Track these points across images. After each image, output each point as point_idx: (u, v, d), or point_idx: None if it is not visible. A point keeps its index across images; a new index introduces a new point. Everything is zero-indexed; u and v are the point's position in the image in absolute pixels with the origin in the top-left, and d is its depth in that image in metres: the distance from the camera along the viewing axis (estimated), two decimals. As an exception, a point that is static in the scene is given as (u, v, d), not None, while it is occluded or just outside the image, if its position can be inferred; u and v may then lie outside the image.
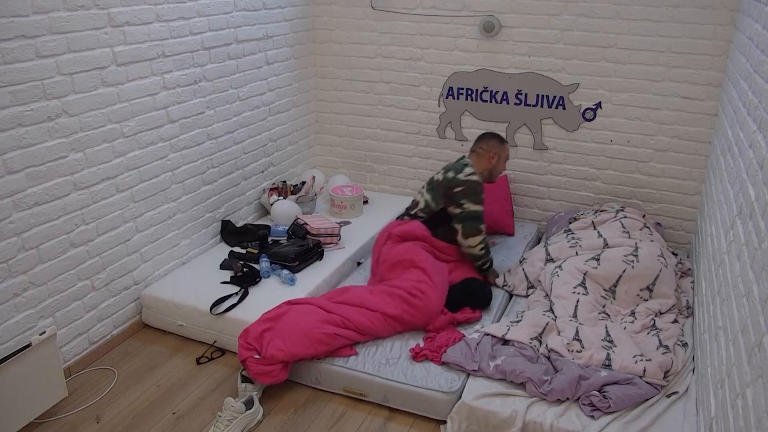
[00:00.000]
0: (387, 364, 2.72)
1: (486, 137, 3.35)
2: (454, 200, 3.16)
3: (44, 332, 2.49)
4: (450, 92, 4.06)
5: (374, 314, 2.85)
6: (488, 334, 2.82)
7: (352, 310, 2.84)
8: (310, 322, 2.75)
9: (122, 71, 2.89)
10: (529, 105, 3.88)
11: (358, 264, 3.61)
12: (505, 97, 3.92)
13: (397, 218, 3.47)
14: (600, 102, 3.72)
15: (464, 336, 2.84)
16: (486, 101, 3.98)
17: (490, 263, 3.35)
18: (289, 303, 2.92)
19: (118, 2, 2.81)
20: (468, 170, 3.18)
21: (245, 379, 2.70)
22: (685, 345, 2.75)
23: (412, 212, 3.35)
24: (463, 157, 3.34)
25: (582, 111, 3.77)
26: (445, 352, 2.72)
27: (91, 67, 2.74)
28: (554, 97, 3.80)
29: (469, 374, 2.64)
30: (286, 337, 2.70)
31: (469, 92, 4.01)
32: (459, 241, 3.23)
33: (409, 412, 2.65)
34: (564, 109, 3.81)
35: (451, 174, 3.18)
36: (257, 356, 2.66)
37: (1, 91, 2.38)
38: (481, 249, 3.23)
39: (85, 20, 2.67)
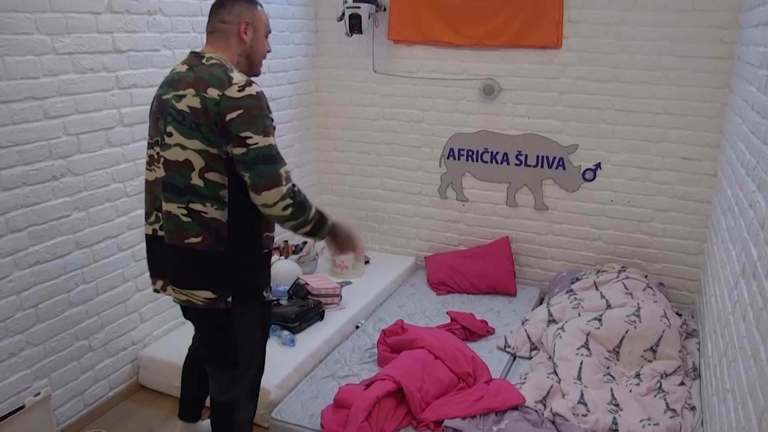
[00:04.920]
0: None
1: (226, 2, 2.12)
2: (231, 133, 1.95)
3: (39, 393, 2.44)
4: (451, 153, 4.11)
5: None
6: (491, 397, 2.76)
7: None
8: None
9: (128, 132, 2.94)
10: (530, 165, 3.92)
11: (357, 327, 3.55)
12: (505, 158, 3.97)
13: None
14: (599, 162, 3.75)
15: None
16: (486, 162, 4.02)
17: (315, 220, 2.09)
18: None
19: (127, 65, 2.88)
20: (236, 77, 1.98)
21: None
22: (693, 408, 2.68)
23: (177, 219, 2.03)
24: (203, 56, 2.05)
25: (582, 171, 3.81)
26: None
27: (98, 127, 2.79)
28: (554, 157, 3.85)
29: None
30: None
31: (470, 153, 4.05)
32: (251, 196, 2.01)
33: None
34: (564, 169, 3.84)
35: (215, 92, 1.94)
36: None
37: (8, 151, 2.42)
38: (286, 207, 1.99)
39: (93, 82, 2.73)
